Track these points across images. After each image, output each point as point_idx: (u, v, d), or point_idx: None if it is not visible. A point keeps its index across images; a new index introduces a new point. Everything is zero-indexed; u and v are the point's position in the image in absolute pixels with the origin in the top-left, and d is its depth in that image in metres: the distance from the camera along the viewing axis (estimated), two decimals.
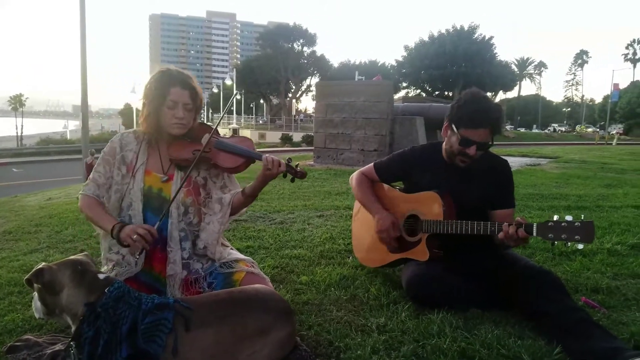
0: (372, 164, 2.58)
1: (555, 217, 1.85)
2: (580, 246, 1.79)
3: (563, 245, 1.87)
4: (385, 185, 2.53)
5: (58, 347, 1.74)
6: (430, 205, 2.22)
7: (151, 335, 1.49)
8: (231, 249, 2.20)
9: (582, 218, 1.80)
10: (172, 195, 1.94)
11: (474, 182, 2.27)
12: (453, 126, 2.19)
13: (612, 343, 1.67)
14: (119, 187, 1.98)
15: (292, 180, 1.99)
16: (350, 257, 2.92)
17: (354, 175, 2.59)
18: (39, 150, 29.28)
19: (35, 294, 1.59)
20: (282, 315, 1.69)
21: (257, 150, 2.04)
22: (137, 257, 1.86)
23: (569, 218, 1.82)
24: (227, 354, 1.55)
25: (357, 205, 2.73)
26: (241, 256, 2.15)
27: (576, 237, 1.78)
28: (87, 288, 1.54)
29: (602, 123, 54.71)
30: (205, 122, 2.11)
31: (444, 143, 2.31)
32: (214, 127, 2.03)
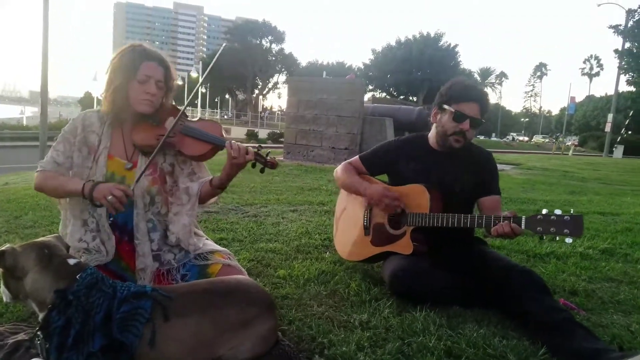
0: (358, 156, 2.54)
1: (544, 211, 1.86)
2: (569, 240, 1.79)
3: (549, 240, 1.86)
4: (371, 178, 2.48)
5: (21, 336, 1.61)
6: (416, 198, 2.19)
7: (127, 325, 1.38)
8: (206, 239, 2.09)
9: (572, 212, 1.80)
10: (134, 181, 1.79)
11: (461, 169, 2.27)
12: (444, 106, 2.20)
13: (596, 344, 1.67)
14: (78, 169, 1.83)
15: (262, 171, 1.84)
16: (328, 253, 2.87)
17: (339, 166, 2.54)
18: None
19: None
20: (264, 308, 1.60)
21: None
22: (110, 220, 1.77)
23: (557, 212, 1.83)
24: (206, 347, 1.46)
25: (340, 197, 2.68)
26: (217, 247, 2.04)
27: (565, 230, 1.78)
28: (54, 273, 1.41)
29: (558, 134, 56.93)
30: None
31: (434, 127, 2.31)
32: (181, 110, 1.86)
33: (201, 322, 1.47)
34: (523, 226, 1.89)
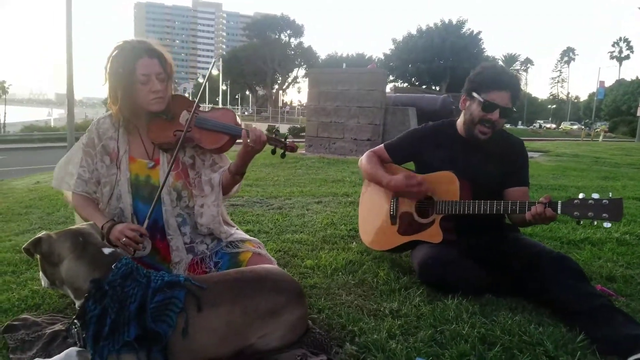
0: (382, 144, 2.50)
1: (581, 195, 1.80)
2: (608, 225, 1.74)
3: (587, 225, 1.80)
4: (396, 166, 2.45)
5: (58, 327, 1.65)
6: (446, 186, 2.15)
7: (161, 315, 1.39)
8: (236, 229, 2.10)
9: (610, 195, 1.74)
10: (161, 182, 1.80)
11: (490, 158, 2.21)
12: (474, 94, 2.13)
13: (636, 330, 1.61)
14: (106, 179, 1.85)
15: (283, 156, 1.83)
16: (355, 243, 2.85)
17: (364, 155, 2.51)
18: (22, 137, 28.65)
19: None
20: (294, 297, 1.61)
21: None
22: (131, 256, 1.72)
23: (595, 196, 1.77)
24: (238, 336, 1.47)
25: (365, 188, 2.65)
26: (247, 237, 2.06)
27: (604, 215, 1.73)
28: (89, 262, 1.44)
29: (587, 120, 55.42)
30: None
31: (462, 115, 2.25)
32: (194, 103, 1.84)
33: (232, 311, 1.47)
34: (559, 211, 1.83)
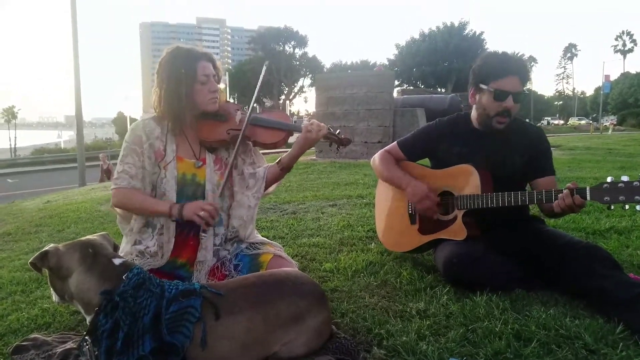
0: (396, 142, 2.41)
1: (610, 179, 1.71)
2: None
3: (619, 209, 1.70)
4: (411, 163, 2.36)
5: (69, 345, 1.58)
6: (465, 180, 2.06)
7: (177, 326, 1.32)
8: (257, 232, 2.06)
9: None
10: (206, 177, 1.86)
11: (510, 149, 2.11)
12: (481, 85, 2.05)
13: None
14: (151, 177, 1.83)
15: (337, 149, 1.92)
16: (374, 243, 2.76)
17: (377, 155, 2.43)
18: (33, 160, 29.02)
19: None
20: (316, 301, 1.52)
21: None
22: (205, 235, 1.83)
23: (625, 178, 1.68)
24: (260, 344, 1.39)
25: (379, 188, 2.56)
26: (267, 240, 2.03)
27: (636, 197, 1.64)
28: (99, 274, 1.37)
29: (595, 115, 54.87)
30: None
31: (474, 109, 2.16)
32: (251, 104, 1.88)
33: (253, 318, 1.39)
34: (588, 197, 1.74)
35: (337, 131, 1.89)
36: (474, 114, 2.19)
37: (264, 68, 2.09)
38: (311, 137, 1.83)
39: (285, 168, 1.95)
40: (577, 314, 1.70)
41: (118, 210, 1.86)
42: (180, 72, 1.79)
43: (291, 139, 2.00)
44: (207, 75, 1.82)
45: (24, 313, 1.98)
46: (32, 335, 1.69)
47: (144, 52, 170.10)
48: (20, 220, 4.54)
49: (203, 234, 1.83)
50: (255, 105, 1.92)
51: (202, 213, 1.66)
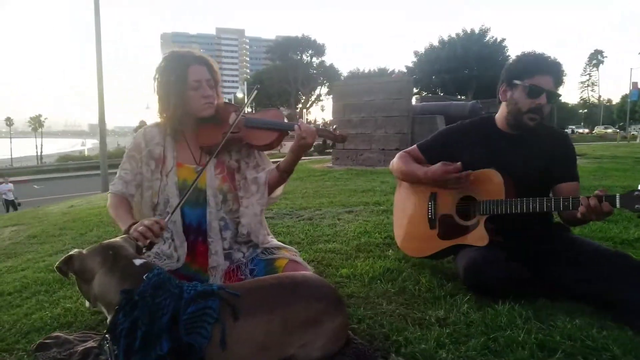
0: (416, 144, 2.39)
1: None
2: None
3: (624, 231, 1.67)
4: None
5: (90, 344, 1.60)
6: (488, 185, 2.02)
7: (195, 327, 1.31)
8: (272, 237, 2.05)
9: None
10: (206, 183, 1.82)
11: (534, 153, 2.07)
12: (515, 81, 2.02)
13: None
14: (150, 183, 1.85)
15: (333, 146, 1.85)
16: (391, 250, 2.73)
17: (395, 157, 2.40)
18: (58, 167, 29.70)
19: None
20: (333, 304, 1.51)
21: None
22: (145, 252, 1.61)
23: None
24: (277, 345, 1.38)
25: (398, 193, 2.53)
26: (283, 245, 2.01)
27: None
28: (120, 275, 1.38)
29: (622, 123, 53.66)
30: None
31: (504, 106, 2.12)
32: (242, 107, 1.87)
33: (271, 319, 1.39)
34: (618, 204, 1.67)
35: (333, 127, 1.84)
36: (500, 114, 2.16)
37: (254, 92, 2.07)
38: (306, 143, 1.79)
39: (285, 171, 1.91)
40: (604, 324, 1.64)
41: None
42: (170, 80, 1.79)
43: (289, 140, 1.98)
44: (199, 81, 1.80)
45: (47, 312, 2.02)
46: (55, 334, 1.73)
47: None
48: (45, 223, 4.65)
49: (147, 253, 1.67)
50: (246, 112, 1.89)
51: (140, 228, 1.55)
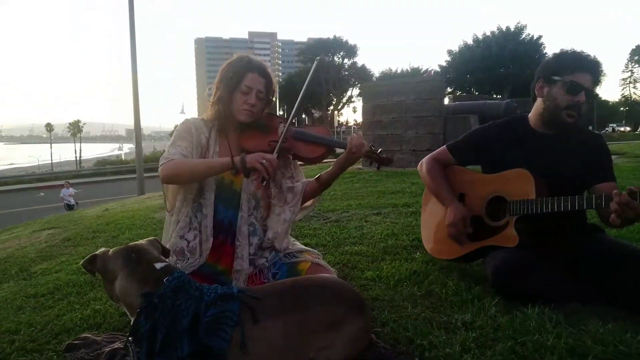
0: (445, 145, 2.35)
1: None
2: None
3: None
4: (461, 168, 2.28)
5: (116, 345, 1.63)
6: (519, 184, 1.97)
7: (215, 329, 1.32)
8: (294, 240, 2.07)
9: None
10: (243, 188, 1.88)
11: (568, 154, 2.01)
12: (554, 77, 1.97)
13: None
14: None
15: (378, 168, 1.91)
16: (419, 253, 2.68)
17: (424, 160, 2.37)
18: (96, 171, 30.65)
19: None
20: (354, 307, 1.49)
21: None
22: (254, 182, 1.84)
23: None
24: (296, 349, 1.37)
25: (427, 192, 2.49)
26: (305, 247, 2.02)
27: None
28: (140, 277, 1.40)
29: None
30: None
31: (540, 103, 2.06)
32: (290, 116, 1.92)
33: (290, 322, 1.38)
34: None
35: (379, 150, 1.88)
36: (535, 112, 2.11)
37: (315, 63, 2.13)
38: (354, 157, 1.82)
39: (324, 184, 1.96)
40: (639, 329, 1.57)
41: (168, 190, 1.90)
42: (229, 76, 1.87)
43: None
44: (250, 87, 1.86)
45: (77, 313, 2.07)
46: (83, 335, 1.77)
47: (199, 67, 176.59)
48: (79, 226, 4.79)
49: (252, 180, 1.84)
50: (295, 120, 1.94)
51: (264, 161, 1.66)
